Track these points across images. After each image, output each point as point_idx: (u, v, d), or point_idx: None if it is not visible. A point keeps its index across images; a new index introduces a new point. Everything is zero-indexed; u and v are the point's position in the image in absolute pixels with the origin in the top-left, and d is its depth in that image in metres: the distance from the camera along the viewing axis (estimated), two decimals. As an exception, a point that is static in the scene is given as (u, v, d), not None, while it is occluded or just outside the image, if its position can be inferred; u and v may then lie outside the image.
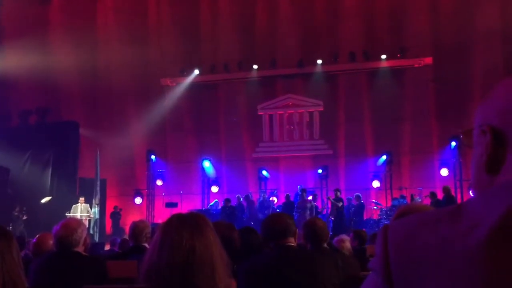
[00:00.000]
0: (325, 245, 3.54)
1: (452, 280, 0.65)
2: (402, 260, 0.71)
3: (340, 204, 13.23)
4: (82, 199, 13.29)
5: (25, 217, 13.57)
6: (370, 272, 0.80)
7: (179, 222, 1.84)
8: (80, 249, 3.05)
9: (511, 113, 0.74)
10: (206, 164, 16.55)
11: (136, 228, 4.03)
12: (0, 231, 2.10)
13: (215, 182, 16.50)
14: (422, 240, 0.71)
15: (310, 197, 13.65)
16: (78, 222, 3.25)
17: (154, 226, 5.81)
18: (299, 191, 14.64)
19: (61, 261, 2.83)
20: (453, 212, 0.72)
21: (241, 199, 14.42)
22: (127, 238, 5.68)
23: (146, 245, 3.95)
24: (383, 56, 16.30)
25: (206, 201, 16.11)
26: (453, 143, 14.46)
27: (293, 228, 2.79)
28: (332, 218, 13.27)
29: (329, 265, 2.75)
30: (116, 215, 15.71)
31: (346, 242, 4.07)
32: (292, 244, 2.77)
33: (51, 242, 3.60)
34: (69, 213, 12.66)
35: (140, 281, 1.88)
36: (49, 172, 15.62)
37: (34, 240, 4.14)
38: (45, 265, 2.93)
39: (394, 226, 0.76)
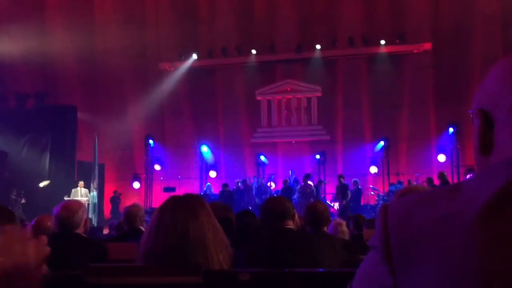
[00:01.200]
0: (325, 229, 3.56)
1: (449, 255, 0.67)
2: (401, 237, 0.73)
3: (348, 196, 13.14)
4: (81, 183, 13.31)
5: (23, 201, 13.60)
6: (369, 252, 0.81)
7: (173, 205, 1.93)
8: (80, 230, 3.07)
9: (497, 96, 0.77)
10: (204, 149, 16.57)
11: (129, 212, 4.06)
12: (4, 213, 2.11)
13: (213, 167, 16.53)
14: (420, 217, 0.72)
15: (310, 183, 13.68)
16: (79, 204, 3.27)
17: (152, 210, 5.83)
18: (291, 177, 14.75)
19: (61, 242, 2.85)
20: (452, 190, 0.74)
21: (239, 184, 14.49)
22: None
23: (142, 228, 3.98)
24: (382, 42, 16.23)
25: (204, 186, 16.16)
26: (451, 129, 14.48)
27: (292, 211, 2.80)
28: (337, 203, 13.26)
29: (327, 249, 2.77)
30: (116, 200, 15.78)
31: (343, 225, 4.11)
32: (291, 227, 2.78)
33: (49, 223, 3.63)
34: (69, 197, 12.68)
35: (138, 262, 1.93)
36: (47, 156, 15.62)
37: (33, 222, 4.16)
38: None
39: (394, 203, 0.77)
